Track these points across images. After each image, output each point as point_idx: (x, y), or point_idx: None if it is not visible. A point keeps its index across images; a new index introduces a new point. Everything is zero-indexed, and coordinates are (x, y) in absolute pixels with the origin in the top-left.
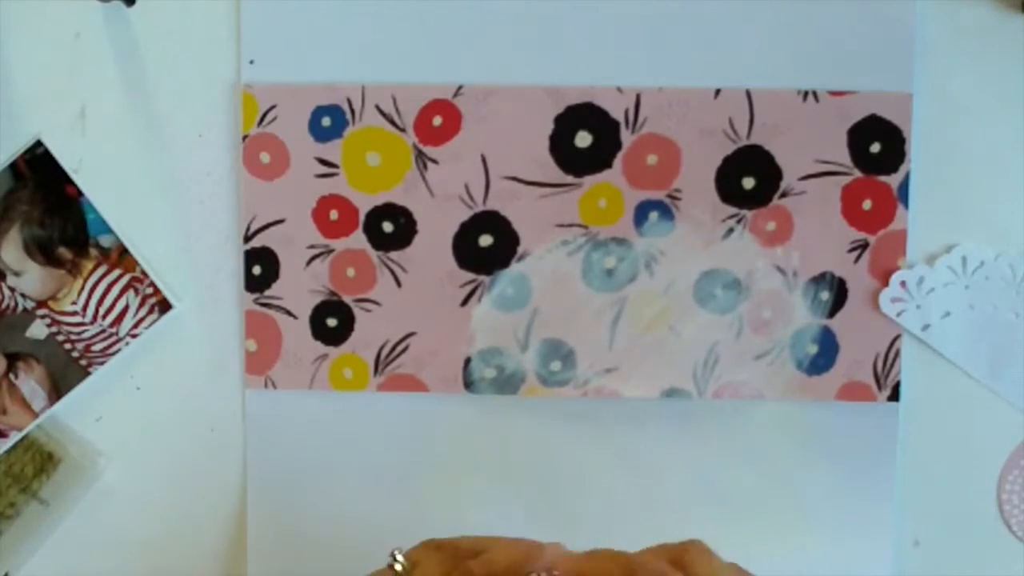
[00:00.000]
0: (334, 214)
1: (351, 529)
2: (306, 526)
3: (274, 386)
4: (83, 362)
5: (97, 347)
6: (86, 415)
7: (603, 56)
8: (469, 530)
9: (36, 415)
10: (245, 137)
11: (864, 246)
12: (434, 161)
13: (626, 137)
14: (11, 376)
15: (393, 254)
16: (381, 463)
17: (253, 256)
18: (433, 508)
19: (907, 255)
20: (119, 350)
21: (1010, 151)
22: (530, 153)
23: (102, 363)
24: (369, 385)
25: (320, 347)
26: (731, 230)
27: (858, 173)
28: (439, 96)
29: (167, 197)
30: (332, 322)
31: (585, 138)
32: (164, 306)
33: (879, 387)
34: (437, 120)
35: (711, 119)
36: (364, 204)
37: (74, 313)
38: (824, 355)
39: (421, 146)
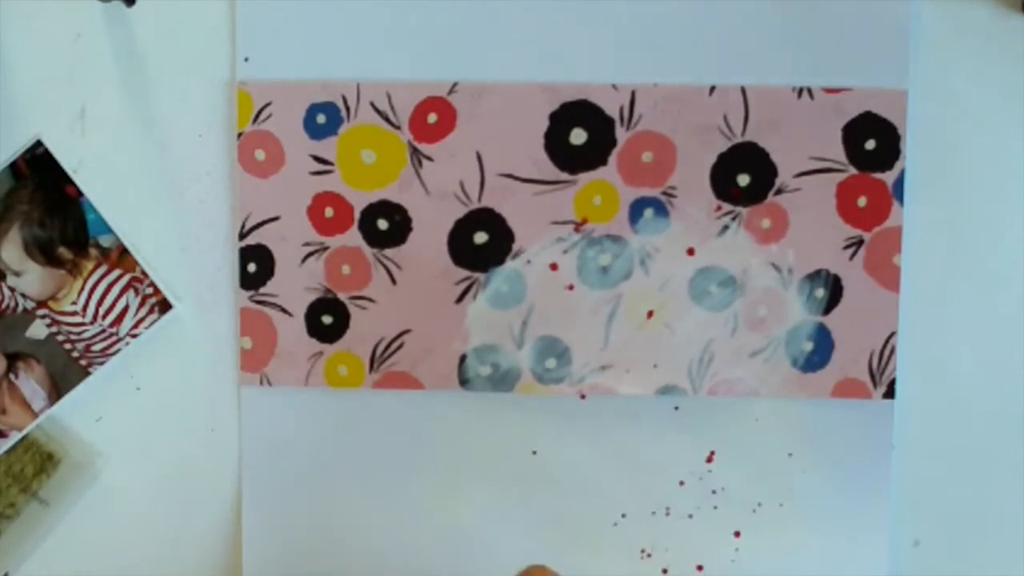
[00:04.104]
0: (329, 211)
1: (346, 526)
2: (302, 523)
3: (269, 383)
4: (83, 362)
5: (97, 347)
6: (86, 415)
7: (598, 53)
8: (463, 527)
9: (36, 415)
10: (240, 134)
11: (859, 243)
12: (429, 158)
13: (621, 134)
14: (11, 376)
15: (388, 251)
16: (376, 460)
17: (248, 253)
18: (428, 505)
19: (902, 252)
20: (119, 350)
21: (1007, 148)
22: (525, 150)
23: (102, 363)
24: (364, 382)
25: (315, 344)
26: (726, 227)
27: (853, 170)
28: (434, 93)
29: (167, 197)
30: (327, 319)
31: (580, 135)
32: (164, 306)
33: (874, 384)
34: (432, 117)
35: (706, 116)
36: (359, 201)
37: (74, 313)
38: (819, 352)
39: (416, 143)
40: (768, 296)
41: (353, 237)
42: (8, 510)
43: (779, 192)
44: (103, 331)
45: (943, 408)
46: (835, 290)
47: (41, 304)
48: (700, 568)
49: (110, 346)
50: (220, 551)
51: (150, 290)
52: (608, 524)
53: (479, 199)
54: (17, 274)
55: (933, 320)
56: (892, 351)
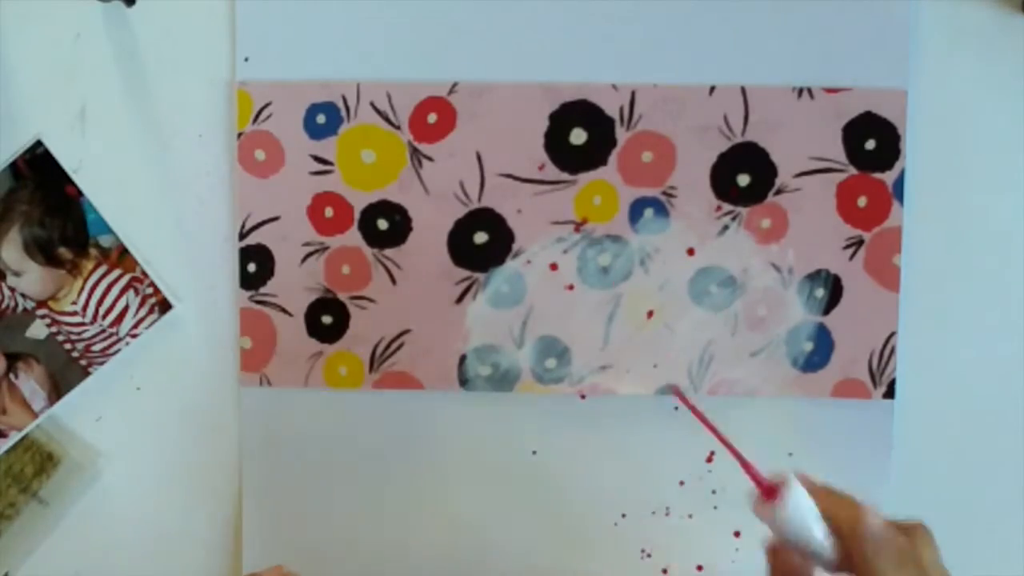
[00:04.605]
0: (329, 211)
1: (346, 525)
2: (302, 522)
3: (269, 384)
4: (83, 362)
5: (97, 347)
6: (86, 415)
7: (598, 53)
8: (463, 527)
9: (36, 415)
10: (240, 134)
11: (859, 243)
12: (429, 158)
13: (621, 134)
14: (11, 376)
15: (388, 251)
16: (376, 460)
17: (248, 253)
18: (428, 505)
19: (902, 252)
20: (119, 350)
21: (1007, 149)
22: (525, 150)
23: (102, 363)
24: (364, 383)
25: (315, 344)
26: (726, 227)
27: (853, 170)
28: (434, 93)
29: (167, 197)
30: (327, 319)
31: (580, 135)
32: (164, 306)
33: (874, 384)
34: (432, 117)
35: (706, 116)
36: (359, 201)
37: (74, 313)
38: (819, 352)
39: (416, 143)
40: (768, 296)
41: (353, 237)
42: (8, 510)
43: (779, 192)
44: (103, 331)
45: (943, 408)
46: (835, 290)
47: (41, 304)
48: (700, 568)
49: (110, 346)
50: (220, 551)
51: (150, 290)
52: (608, 524)
53: (479, 199)
54: (17, 274)
55: (933, 320)
56: (892, 351)
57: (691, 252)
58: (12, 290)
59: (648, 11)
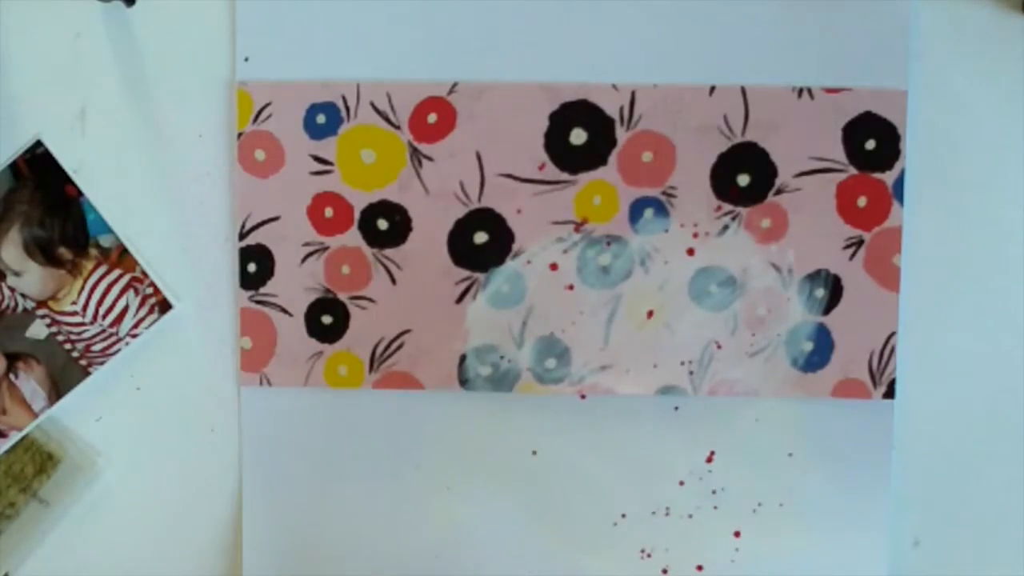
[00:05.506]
0: (329, 211)
1: (346, 526)
2: (302, 523)
3: (269, 383)
4: (83, 362)
5: (97, 347)
6: (86, 415)
7: (598, 53)
8: (463, 527)
9: (36, 415)
10: (240, 134)
11: (859, 243)
12: (429, 158)
13: (621, 134)
14: (11, 376)
15: (388, 251)
16: (376, 460)
17: (248, 253)
18: (429, 505)
19: (902, 252)
20: (119, 350)
21: (1007, 149)
22: (525, 150)
23: (102, 363)
24: (364, 382)
25: (315, 344)
26: (726, 227)
27: (853, 170)
28: (434, 93)
29: (167, 197)
30: (327, 319)
31: (580, 135)
32: (164, 306)
33: (874, 384)
34: (432, 117)
35: (706, 116)
36: (359, 201)
37: (74, 313)
38: (819, 352)
39: (416, 143)
40: (768, 296)
41: (353, 237)
42: (8, 510)
43: (779, 192)
44: (103, 331)
45: (943, 408)
46: (835, 290)
47: (41, 304)
48: (700, 568)
49: (110, 346)
50: (220, 551)
51: (150, 290)
52: (608, 524)
53: (479, 199)
54: (17, 274)
55: (933, 320)
56: (892, 351)
57: (691, 252)
58: (12, 290)
59: (648, 11)
